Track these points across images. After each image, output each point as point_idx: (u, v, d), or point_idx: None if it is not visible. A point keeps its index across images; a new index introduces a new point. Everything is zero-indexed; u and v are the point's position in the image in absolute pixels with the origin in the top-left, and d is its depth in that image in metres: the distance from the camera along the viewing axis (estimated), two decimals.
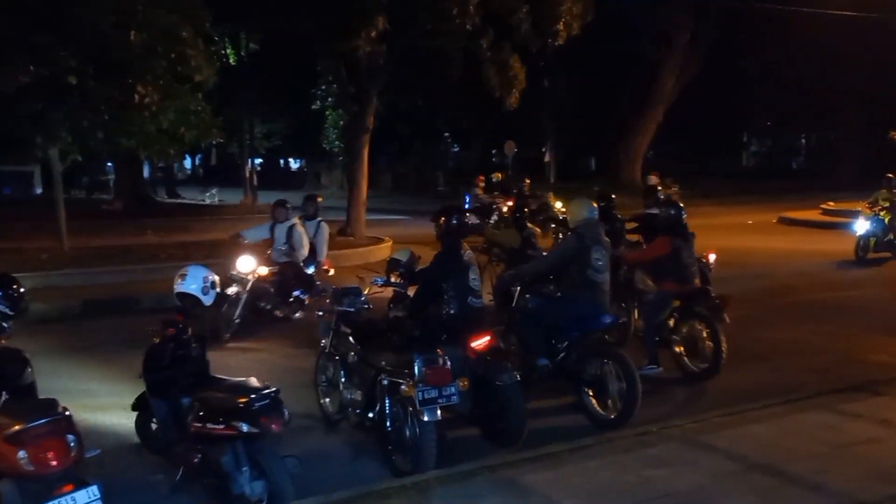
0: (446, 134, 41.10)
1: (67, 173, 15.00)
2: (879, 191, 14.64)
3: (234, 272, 8.90)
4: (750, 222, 21.81)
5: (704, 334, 6.87)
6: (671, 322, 7.12)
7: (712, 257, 8.57)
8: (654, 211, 7.96)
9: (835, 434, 5.28)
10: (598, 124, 34.42)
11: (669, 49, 30.62)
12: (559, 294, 6.39)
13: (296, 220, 9.72)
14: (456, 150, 46.13)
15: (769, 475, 4.62)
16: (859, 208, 14.94)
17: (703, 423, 5.54)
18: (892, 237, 14.13)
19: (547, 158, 33.38)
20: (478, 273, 5.79)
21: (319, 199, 10.44)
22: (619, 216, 9.26)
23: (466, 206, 26.37)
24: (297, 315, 9.44)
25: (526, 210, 9.97)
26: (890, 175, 14.70)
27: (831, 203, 22.40)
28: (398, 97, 28.36)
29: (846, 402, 5.93)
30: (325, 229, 10.02)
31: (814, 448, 5.02)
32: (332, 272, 9.80)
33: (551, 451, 5.07)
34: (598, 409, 5.86)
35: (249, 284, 8.90)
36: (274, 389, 4.59)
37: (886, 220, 14.06)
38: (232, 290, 8.71)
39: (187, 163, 56.31)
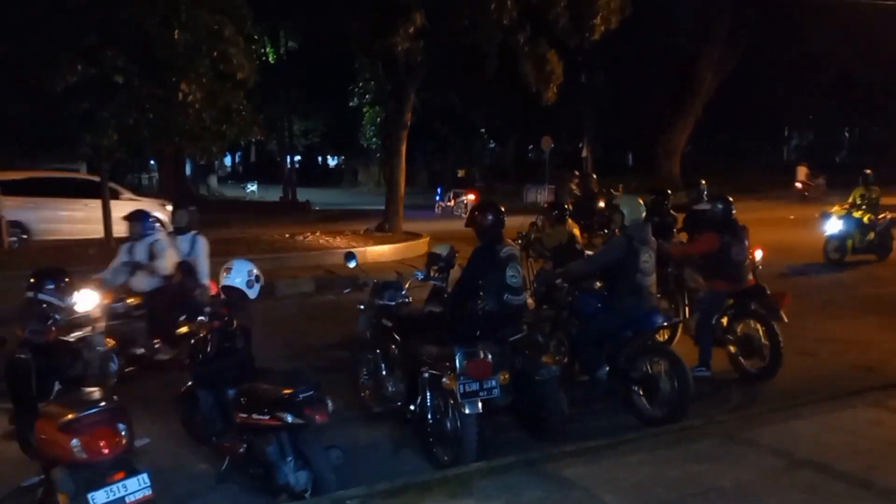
0: (482, 130, 41.07)
1: (113, 172, 15.28)
2: (856, 188, 13.51)
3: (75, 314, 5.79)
4: (791, 217, 21.42)
5: (760, 333, 6.70)
6: (724, 321, 6.93)
7: (759, 254, 8.31)
8: (704, 206, 7.74)
9: (883, 430, 5.18)
10: (636, 119, 34.06)
11: (708, 42, 30.17)
12: (606, 293, 6.30)
13: (160, 236, 7.81)
14: (492, 146, 46.09)
15: (815, 472, 4.55)
16: (830, 210, 13.66)
17: (747, 420, 5.48)
18: (872, 238, 13.08)
19: (584, 154, 33.12)
20: (518, 270, 5.66)
21: (192, 209, 8.27)
22: (672, 212, 9.03)
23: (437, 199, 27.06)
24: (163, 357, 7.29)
25: (568, 206, 9.91)
26: (867, 171, 13.62)
27: None
28: (435, 94, 28.48)
29: (894, 399, 5.82)
30: (203, 245, 7.79)
31: (861, 444, 4.94)
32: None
33: (593, 446, 5.05)
34: (648, 407, 5.82)
35: (98, 326, 6.05)
36: (317, 381, 4.67)
37: (865, 219, 12.99)
38: (74, 336, 5.43)
39: (227, 160, 57.12)
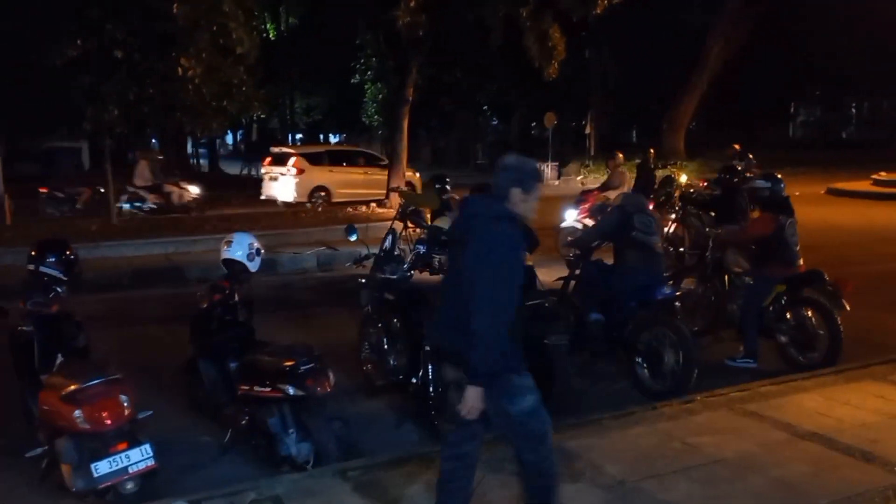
0: (485, 107, 40.85)
1: (114, 150, 15.26)
2: None
3: None
4: (797, 193, 21.25)
5: (814, 322, 6.22)
6: (772, 308, 6.43)
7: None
8: (762, 183, 6.81)
9: (886, 404, 5.17)
10: (641, 94, 33.78)
11: (718, 14, 29.81)
12: (613, 265, 6.35)
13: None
14: (495, 122, 45.86)
15: (819, 443, 4.55)
16: None
17: (750, 392, 5.46)
18: None
19: (588, 130, 32.93)
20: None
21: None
22: (745, 194, 8.22)
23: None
24: None
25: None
26: None
27: (883, 173, 21.69)
28: (438, 70, 28.28)
29: None
30: None
31: (864, 417, 4.93)
32: None
33: (595, 418, 5.05)
34: (651, 380, 5.81)
35: None
36: (318, 353, 4.66)
37: None
38: None
39: (229, 138, 56.93)
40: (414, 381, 5.43)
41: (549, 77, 16.65)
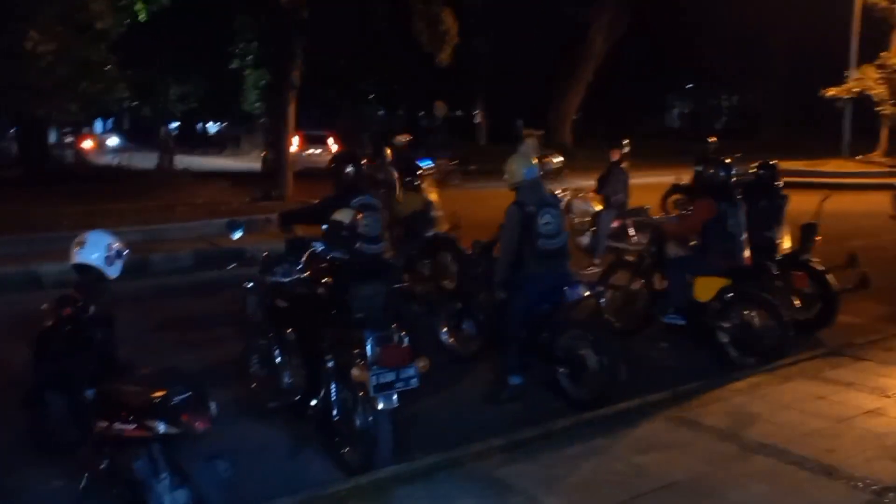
0: (371, 95, 39.93)
1: None
2: None
3: None
4: (697, 167, 21.71)
5: (759, 321, 5.77)
6: (713, 305, 5.89)
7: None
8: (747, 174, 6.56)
9: (830, 406, 4.81)
10: (529, 85, 33.86)
11: (598, 7, 30.22)
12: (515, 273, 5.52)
13: None
14: (382, 112, 45.01)
15: (771, 456, 4.11)
16: None
17: (687, 398, 5.00)
18: None
19: (478, 120, 32.67)
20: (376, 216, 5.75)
21: None
22: (782, 192, 7.32)
23: None
24: None
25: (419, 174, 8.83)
26: None
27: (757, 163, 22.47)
28: (323, 57, 27.15)
29: (831, 369, 5.50)
30: None
31: (812, 423, 4.55)
32: None
33: (523, 438, 4.44)
34: (574, 388, 5.23)
35: None
36: (198, 380, 3.81)
37: None
38: None
39: (98, 127, 53.31)
40: (314, 402, 4.63)
41: (441, 63, 16.07)
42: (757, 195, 6.80)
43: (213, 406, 3.70)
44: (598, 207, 9.71)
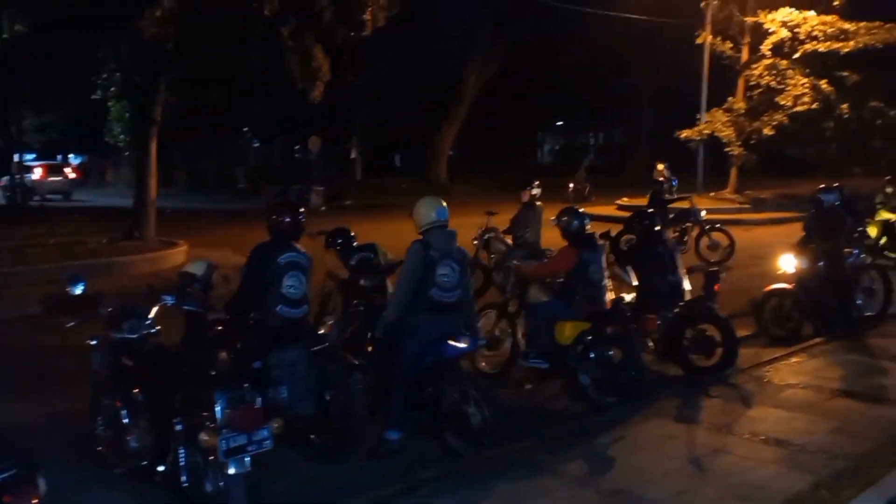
0: (245, 129, 39.10)
1: None
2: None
3: None
4: (552, 219, 22.39)
5: (617, 361, 5.85)
6: (575, 347, 5.95)
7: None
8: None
9: (679, 446, 4.98)
10: (404, 121, 34.19)
11: (472, 46, 31.02)
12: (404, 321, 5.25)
13: None
14: (257, 145, 44.15)
15: (629, 501, 4.20)
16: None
17: (550, 443, 5.05)
18: None
19: (353, 155, 32.61)
20: (301, 279, 5.11)
21: None
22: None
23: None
24: None
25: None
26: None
27: (626, 199, 23.55)
28: (192, 89, 26.31)
29: (684, 408, 5.74)
30: None
31: (665, 465, 4.68)
32: None
33: (387, 494, 4.34)
34: (458, 442, 4.97)
35: None
36: (26, 455, 3.47)
37: None
38: None
39: None
40: (162, 467, 4.35)
41: (313, 100, 15.89)
42: (654, 242, 7.01)
43: (41, 484, 3.38)
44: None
